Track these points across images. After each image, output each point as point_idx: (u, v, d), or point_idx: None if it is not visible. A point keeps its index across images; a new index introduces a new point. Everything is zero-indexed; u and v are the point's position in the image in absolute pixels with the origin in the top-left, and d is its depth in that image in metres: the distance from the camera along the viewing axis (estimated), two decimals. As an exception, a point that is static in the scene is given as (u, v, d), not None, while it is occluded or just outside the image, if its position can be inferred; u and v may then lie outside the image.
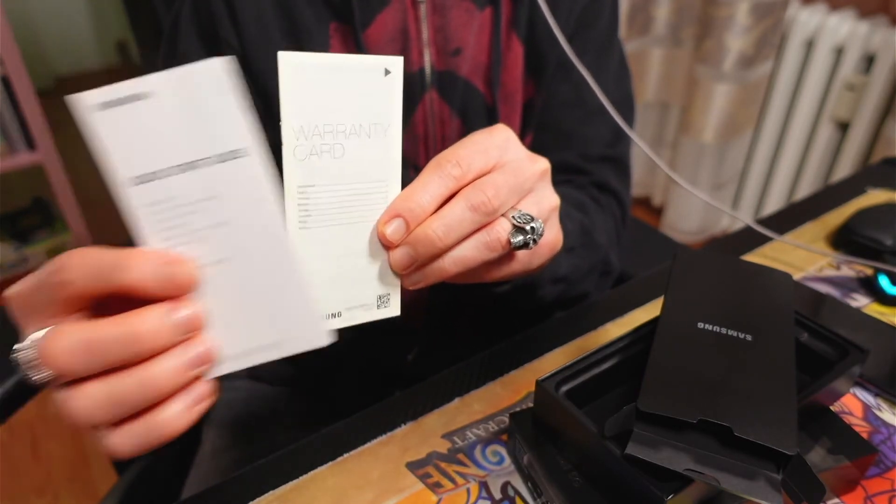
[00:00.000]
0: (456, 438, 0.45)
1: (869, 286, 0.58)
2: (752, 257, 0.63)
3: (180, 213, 0.29)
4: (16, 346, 0.27)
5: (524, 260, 0.38)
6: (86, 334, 0.26)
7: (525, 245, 0.35)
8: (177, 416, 0.28)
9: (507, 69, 0.58)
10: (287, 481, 0.43)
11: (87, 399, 0.27)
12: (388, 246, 0.33)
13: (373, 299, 0.35)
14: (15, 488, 1.36)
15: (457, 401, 0.48)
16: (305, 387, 0.69)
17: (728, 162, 1.74)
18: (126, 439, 0.28)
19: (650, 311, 0.56)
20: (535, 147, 0.56)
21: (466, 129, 0.59)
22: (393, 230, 0.32)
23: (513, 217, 0.35)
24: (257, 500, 0.42)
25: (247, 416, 0.67)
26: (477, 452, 0.44)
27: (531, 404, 0.46)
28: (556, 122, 0.62)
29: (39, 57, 2.84)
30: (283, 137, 0.31)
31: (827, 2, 1.52)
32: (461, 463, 0.43)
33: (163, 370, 0.27)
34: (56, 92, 2.96)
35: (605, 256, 0.59)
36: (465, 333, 0.67)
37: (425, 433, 0.45)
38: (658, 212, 1.98)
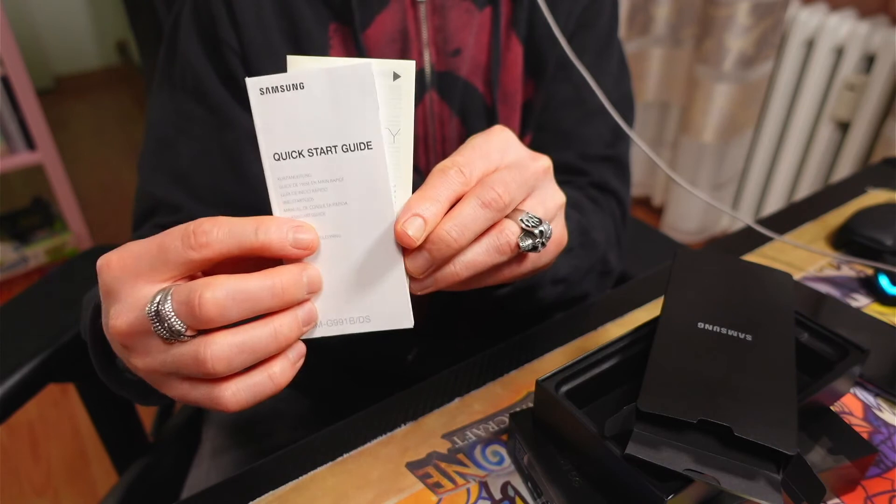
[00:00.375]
0: (456, 438, 0.45)
1: (869, 286, 0.58)
2: (752, 257, 0.62)
3: (308, 190, 0.33)
4: (150, 303, 0.30)
5: (533, 260, 0.38)
6: (240, 284, 0.29)
7: (534, 248, 0.35)
8: (286, 370, 0.32)
9: (506, 69, 0.58)
10: (287, 481, 0.43)
11: (228, 346, 0.30)
12: (408, 247, 0.33)
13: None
14: (15, 488, 1.36)
15: (457, 401, 0.48)
16: (305, 387, 0.69)
17: (728, 162, 1.74)
18: (244, 390, 0.31)
19: (650, 311, 0.56)
20: (535, 147, 0.56)
21: (466, 129, 0.59)
22: (416, 229, 0.32)
23: (521, 220, 0.35)
24: (257, 500, 0.42)
25: (247, 416, 0.67)
26: (477, 452, 0.44)
27: (531, 404, 0.46)
28: (555, 122, 0.62)
29: (39, 57, 2.84)
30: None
31: (827, 2, 1.52)
32: (461, 463, 0.43)
33: (288, 323, 0.31)
34: (56, 92, 2.96)
35: (603, 256, 0.59)
36: (465, 334, 0.67)
37: (425, 433, 0.45)
38: (658, 212, 1.98)
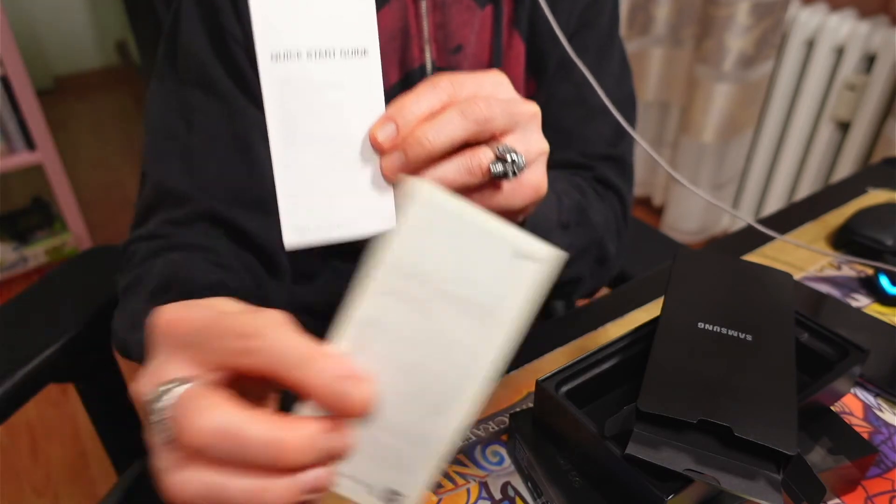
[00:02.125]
0: (456, 438, 0.45)
1: (869, 286, 0.58)
2: (752, 257, 0.62)
3: (306, 92, 0.33)
4: (163, 385, 0.26)
5: (507, 193, 0.38)
6: (235, 422, 0.24)
7: (504, 175, 0.36)
8: None
9: (508, 67, 0.58)
10: (287, 481, 0.42)
11: (192, 483, 0.25)
12: (379, 151, 0.34)
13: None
14: (15, 489, 1.36)
15: (457, 401, 0.48)
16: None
17: (728, 162, 1.74)
18: None
19: (650, 311, 0.56)
20: None
21: None
22: (384, 133, 0.33)
23: (497, 148, 0.36)
24: (257, 500, 0.41)
25: (246, 416, 0.67)
26: (477, 452, 0.44)
27: (531, 404, 0.46)
28: (557, 121, 0.62)
29: (39, 57, 2.84)
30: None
31: (827, 2, 1.52)
32: (461, 463, 0.43)
33: (278, 490, 0.25)
34: (56, 92, 2.96)
35: (600, 241, 0.58)
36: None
37: (425, 433, 0.45)
38: (658, 212, 1.98)
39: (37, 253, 1.92)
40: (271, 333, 0.25)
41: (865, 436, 0.44)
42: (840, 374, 0.40)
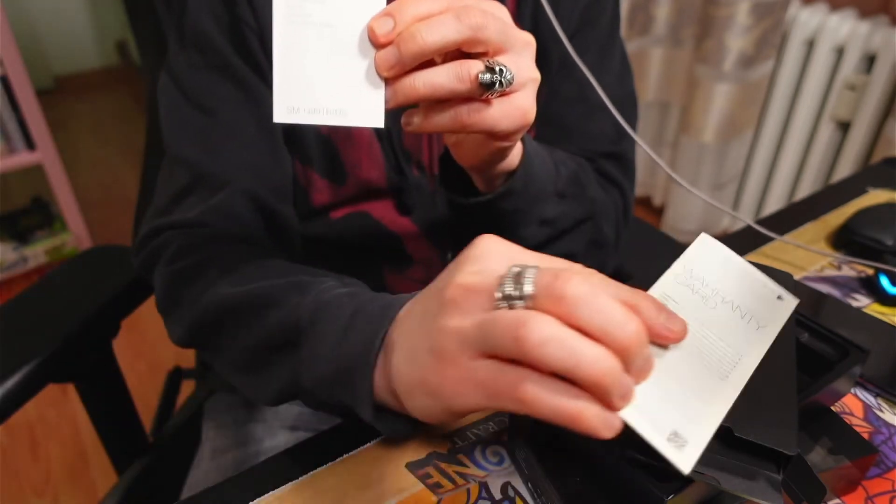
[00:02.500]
0: (456, 439, 0.45)
1: (870, 286, 0.58)
2: (752, 257, 0.62)
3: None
4: (518, 267, 0.30)
5: (495, 112, 0.38)
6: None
7: (492, 85, 0.36)
8: (590, 417, 0.28)
9: None
10: (287, 481, 0.42)
11: (551, 328, 0.27)
12: (374, 43, 0.35)
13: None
14: (15, 488, 1.36)
15: (457, 401, 0.48)
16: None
17: (728, 162, 1.74)
18: (545, 394, 0.28)
19: (650, 311, 0.56)
20: (539, 141, 0.56)
21: None
22: (381, 26, 0.34)
23: (487, 61, 0.36)
24: (257, 500, 0.42)
25: (247, 416, 0.67)
26: (477, 453, 0.44)
27: (531, 404, 0.46)
28: (559, 118, 0.62)
29: (39, 57, 2.84)
30: None
31: (827, 1, 1.52)
32: (461, 463, 0.43)
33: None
34: (55, 92, 2.96)
35: (596, 219, 0.58)
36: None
37: (425, 433, 0.45)
38: (658, 212, 1.98)
39: (37, 253, 1.92)
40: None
41: (865, 436, 0.44)
42: (840, 374, 0.40)
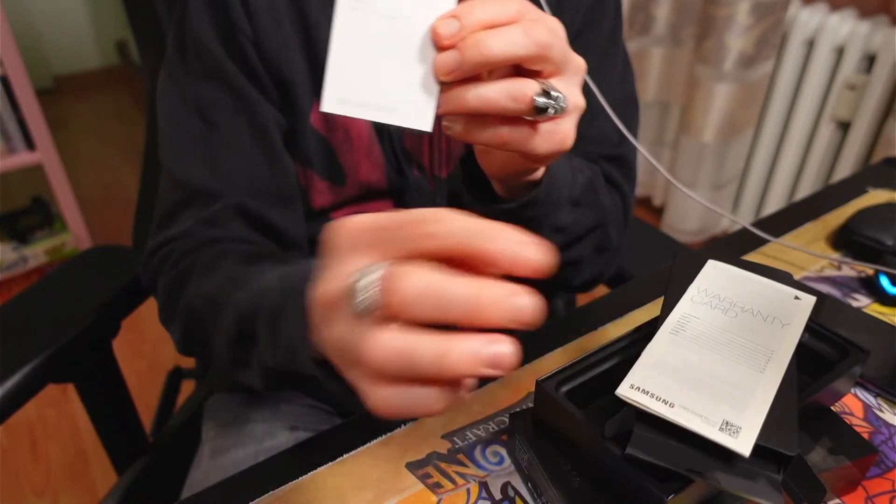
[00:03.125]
0: (456, 439, 0.45)
1: (870, 286, 0.58)
2: (753, 257, 0.62)
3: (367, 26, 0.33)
4: (360, 270, 0.28)
5: (540, 135, 0.38)
6: (437, 280, 0.27)
7: (545, 110, 0.35)
8: (440, 403, 0.28)
9: None
10: (287, 481, 0.42)
11: (388, 346, 0.27)
12: (437, 43, 0.34)
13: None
14: (15, 488, 1.36)
15: (457, 401, 0.48)
16: (305, 388, 0.69)
17: (728, 162, 1.74)
18: (393, 400, 0.28)
19: (650, 311, 0.56)
20: None
21: None
22: (447, 28, 0.33)
23: (543, 83, 0.35)
24: (257, 500, 0.42)
25: (247, 416, 0.67)
26: (477, 453, 0.44)
27: (531, 404, 0.46)
28: None
29: (39, 57, 2.84)
30: None
31: (827, 1, 1.52)
32: (461, 463, 0.43)
33: (461, 353, 0.26)
34: (55, 92, 2.96)
35: (605, 226, 0.59)
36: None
37: (425, 433, 0.45)
38: (658, 212, 1.98)
39: (37, 253, 1.92)
40: (450, 216, 0.28)
41: (865, 436, 0.44)
42: (840, 374, 0.40)
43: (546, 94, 0.35)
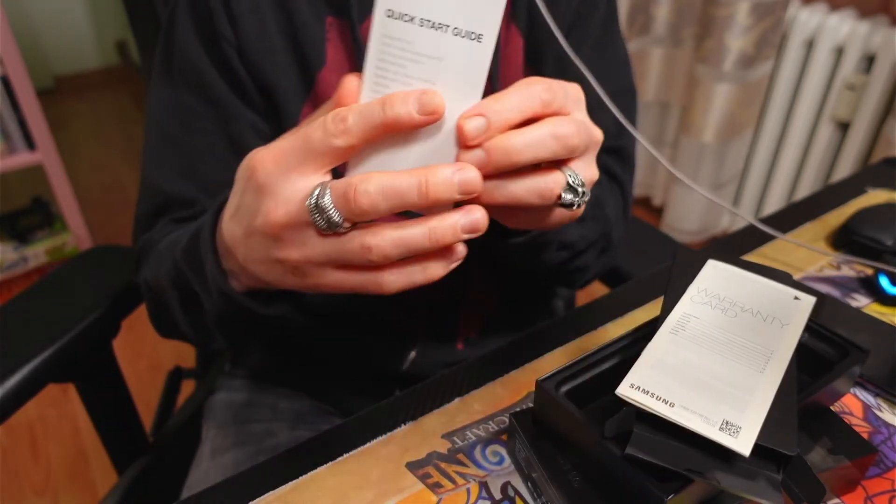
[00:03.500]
0: (456, 438, 0.45)
1: (869, 286, 0.58)
2: (752, 257, 0.62)
3: (405, 57, 0.33)
4: (311, 196, 0.32)
5: (555, 217, 0.38)
6: (390, 180, 0.31)
7: (571, 205, 0.36)
8: (438, 269, 0.34)
9: (506, 61, 0.58)
10: (287, 481, 0.43)
11: (389, 238, 0.32)
12: (462, 142, 0.33)
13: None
14: (15, 488, 1.36)
15: (457, 401, 0.48)
16: (305, 387, 0.69)
17: (728, 162, 1.74)
18: (398, 277, 0.34)
19: (650, 311, 0.56)
20: None
21: None
22: (474, 126, 0.32)
23: (569, 175, 0.35)
24: (257, 500, 0.42)
25: (247, 416, 0.67)
26: (477, 452, 0.44)
27: (531, 404, 0.46)
28: None
29: (39, 57, 2.84)
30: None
31: (827, 2, 1.52)
32: (461, 463, 0.43)
33: (445, 226, 0.32)
34: (56, 92, 2.96)
35: (609, 232, 0.59)
36: (465, 333, 0.67)
37: (425, 433, 0.45)
38: (658, 212, 1.98)
39: (37, 253, 1.92)
40: (344, 109, 0.32)
41: (865, 436, 0.44)
42: (840, 374, 0.40)
43: (573, 189, 0.35)
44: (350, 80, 0.34)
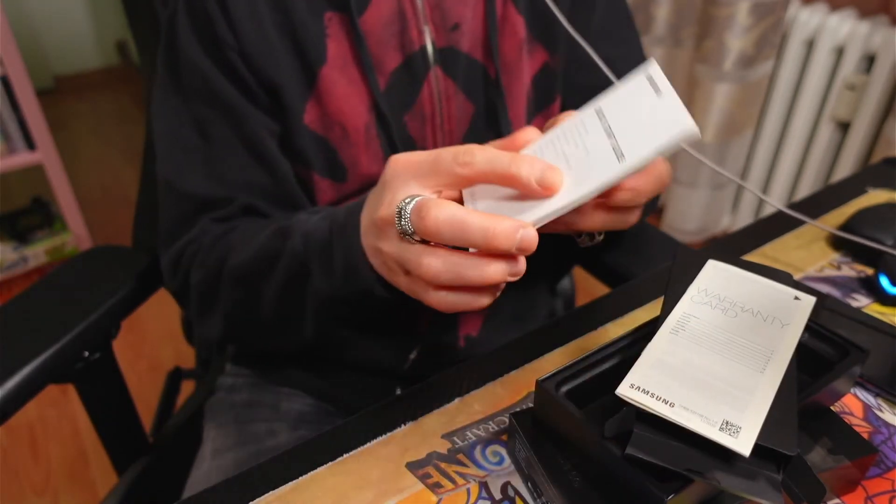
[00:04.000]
0: (456, 438, 0.45)
1: (869, 286, 0.58)
2: (752, 257, 0.62)
3: (573, 138, 0.39)
4: (402, 202, 0.36)
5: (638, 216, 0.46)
6: (459, 215, 0.35)
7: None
8: (484, 302, 0.38)
9: (504, 38, 0.59)
10: (287, 481, 0.43)
11: (442, 262, 0.36)
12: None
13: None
14: (15, 489, 1.36)
15: (457, 401, 0.48)
16: (306, 387, 0.69)
17: (728, 162, 1.74)
18: (448, 300, 0.38)
19: (650, 311, 0.56)
20: (568, 108, 0.57)
21: (472, 103, 0.59)
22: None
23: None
24: (257, 500, 0.42)
25: (247, 416, 0.67)
26: (477, 453, 0.44)
27: (531, 404, 0.46)
28: (590, 84, 0.62)
29: (39, 57, 2.84)
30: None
31: (827, 1, 1.52)
32: (461, 463, 0.43)
33: (496, 271, 0.36)
34: (55, 92, 2.96)
35: None
36: (465, 333, 0.67)
37: (425, 433, 0.45)
38: (658, 212, 1.98)
39: (37, 253, 1.92)
40: (479, 149, 0.36)
41: (865, 436, 0.44)
42: (840, 374, 0.40)
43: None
44: (529, 132, 0.41)
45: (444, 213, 0.34)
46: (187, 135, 0.56)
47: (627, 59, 0.64)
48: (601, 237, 0.50)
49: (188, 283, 0.57)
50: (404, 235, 0.37)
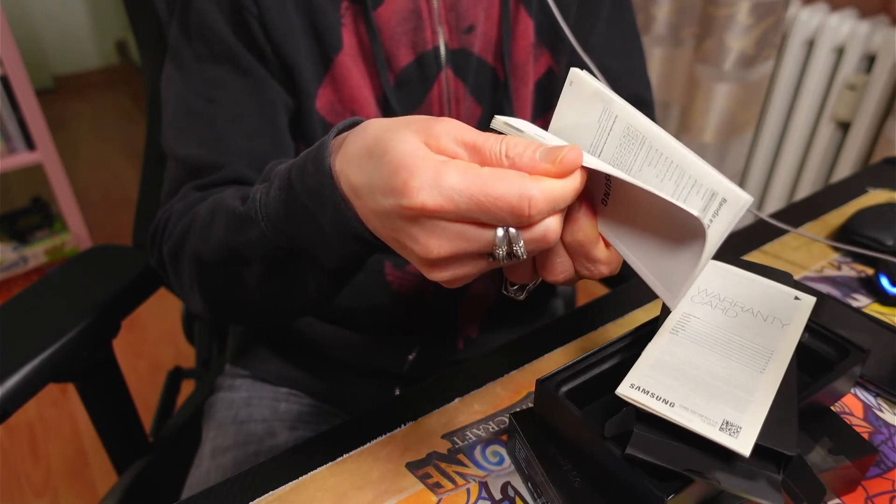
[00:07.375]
0: (456, 439, 0.45)
1: (870, 286, 0.58)
2: (753, 256, 0.62)
3: (635, 148, 0.35)
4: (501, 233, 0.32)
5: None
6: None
7: None
8: (482, 268, 0.34)
9: (515, 41, 0.59)
10: (287, 481, 0.42)
11: (443, 248, 0.32)
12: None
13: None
14: (15, 488, 1.36)
15: (457, 401, 0.48)
16: (306, 387, 0.69)
17: (728, 162, 1.74)
18: (447, 275, 0.34)
19: (650, 311, 0.56)
20: None
21: (480, 106, 0.59)
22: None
23: None
24: (257, 500, 0.42)
25: (247, 416, 0.67)
26: (477, 453, 0.44)
27: (531, 404, 0.46)
28: (606, 69, 0.62)
29: (39, 57, 2.84)
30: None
31: (827, 1, 1.52)
32: (461, 463, 0.43)
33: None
34: (55, 92, 2.96)
35: None
36: (465, 333, 0.67)
37: (425, 433, 0.45)
38: (658, 212, 1.98)
39: (37, 253, 1.92)
40: (542, 200, 0.31)
41: (865, 436, 0.44)
42: (840, 374, 0.40)
43: None
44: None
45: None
46: (193, 99, 0.55)
47: (631, 75, 0.64)
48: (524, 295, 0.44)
49: (163, 256, 0.54)
50: (506, 256, 0.32)
